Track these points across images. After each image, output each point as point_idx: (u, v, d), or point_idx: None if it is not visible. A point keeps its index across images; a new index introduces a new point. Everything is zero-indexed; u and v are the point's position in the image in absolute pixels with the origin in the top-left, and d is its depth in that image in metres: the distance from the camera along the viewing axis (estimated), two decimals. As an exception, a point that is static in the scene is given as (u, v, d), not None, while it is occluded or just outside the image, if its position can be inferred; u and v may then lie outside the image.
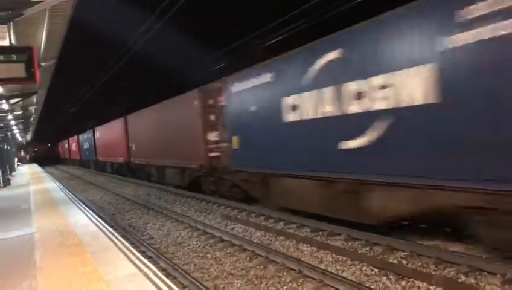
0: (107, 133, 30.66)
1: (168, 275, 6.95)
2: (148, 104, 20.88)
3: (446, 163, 6.27)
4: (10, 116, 24.65)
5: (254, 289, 6.39)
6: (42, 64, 11.91)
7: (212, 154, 14.37)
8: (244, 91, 11.78)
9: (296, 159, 9.73)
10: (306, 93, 9.19)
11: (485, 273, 6.03)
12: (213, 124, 14.26)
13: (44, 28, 9.24)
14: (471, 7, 5.79)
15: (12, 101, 18.43)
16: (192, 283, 6.64)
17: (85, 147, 41.51)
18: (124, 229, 11.39)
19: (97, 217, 10.15)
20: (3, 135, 26.58)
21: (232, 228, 10.45)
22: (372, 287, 5.96)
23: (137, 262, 5.80)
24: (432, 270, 6.38)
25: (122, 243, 7.09)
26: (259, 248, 8.22)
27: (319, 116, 8.88)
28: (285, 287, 6.35)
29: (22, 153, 77.90)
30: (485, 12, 5.64)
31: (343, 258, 7.38)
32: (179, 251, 8.93)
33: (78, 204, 12.78)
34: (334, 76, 8.33)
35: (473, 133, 5.92)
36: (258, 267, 7.34)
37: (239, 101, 12.18)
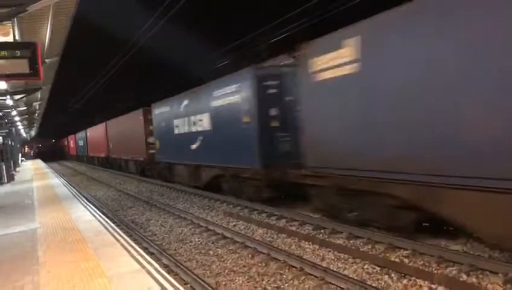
0: (95, 134, 38.57)
1: (170, 272, 6.97)
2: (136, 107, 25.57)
3: (217, 157, 14.02)
4: (14, 112, 24.74)
5: (256, 286, 6.40)
6: (46, 60, 11.95)
7: (150, 151, 22.12)
8: (159, 114, 20.06)
9: (180, 155, 17.44)
10: (180, 119, 17.18)
11: (487, 272, 6.02)
12: (151, 132, 21.92)
13: (49, 24, 9.27)
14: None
15: (17, 97, 18.50)
16: (194, 280, 6.66)
17: (80, 144, 49.89)
18: (126, 225, 11.43)
19: (100, 213, 10.19)
20: (7, 131, 26.67)
21: (235, 225, 10.47)
22: (373, 285, 5.96)
23: (140, 258, 5.83)
24: (433, 269, 6.38)
25: (125, 240, 7.12)
26: (261, 245, 8.23)
27: (184, 132, 16.87)
28: (286, 284, 6.36)
29: (26, 149, 78.20)
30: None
31: (345, 256, 7.38)
32: (181, 247, 8.96)
33: (81, 200, 12.83)
34: (188, 112, 16.43)
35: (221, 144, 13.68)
36: (259, 264, 7.36)
37: (158, 119, 20.30)
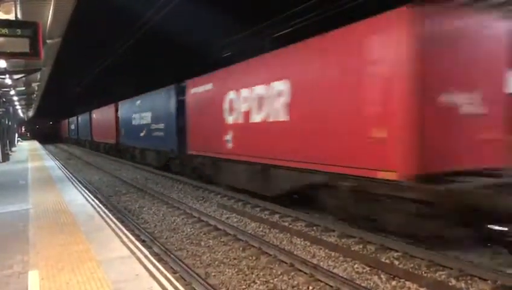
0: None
1: (160, 260, 6.97)
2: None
3: (154, 142, 20.68)
4: (13, 92, 24.61)
5: (245, 279, 6.40)
6: (48, 41, 11.87)
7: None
8: (123, 108, 27.34)
9: (136, 139, 23.70)
10: (137, 114, 23.51)
11: (476, 278, 6.03)
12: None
13: (52, 5, 9.19)
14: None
15: (16, 76, 18.39)
16: (183, 269, 6.65)
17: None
18: (119, 211, 11.41)
19: (93, 198, 10.17)
20: (3, 110, 26.55)
21: (228, 218, 10.46)
22: (362, 285, 5.97)
23: (131, 245, 5.82)
24: (423, 272, 6.39)
25: (117, 225, 7.11)
26: (252, 238, 8.23)
27: (137, 123, 23.23)
28: (276, 279, 6.36)
29: (23, 130, 77.91)
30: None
31: (336, 254, 7.39)
32: (173, 236, 8.95)
33: (75, 184, 12.80)
34: (139, 110, 22.94)
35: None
36: (250, 257, 7.35)
37: (122, 112, 27.54)
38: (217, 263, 7.16)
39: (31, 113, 62.22)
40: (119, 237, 6.27)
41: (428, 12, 7.05)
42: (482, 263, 6.59)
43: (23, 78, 19.92)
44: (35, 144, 48.16)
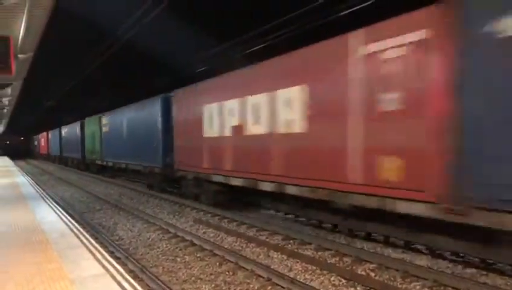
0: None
1: (135, 277, 6.85)
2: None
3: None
4: (-18, 107, 23.98)
5: (222, 295, 6.34)
6: (19, 55, 11.65)
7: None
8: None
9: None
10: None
11: (450, 288, 6.14)
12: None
13: (24, 18, 9.04)
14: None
15: (-14, 91, 17.95)
16: (159, 286, 6.55)
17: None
18: (93, 228, 11.19)
19: (66, 215, 9.94)
20: (-27, 125, 25.83)
21: (204, 232, 10.38)
22: (339, 297, 5.99)
23: (105, 262, 5.69)
24: (398, 284, 6.46)
25: (91, 243, 6.95)
26: (229, 253, 8.18)
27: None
28: (253, 294, 6.33)
29: None
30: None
31: (313, 267, 7.41)
32: (148, 253, 8.82)
33: (47, 200, 12.48)
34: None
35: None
36: (227, 272, 7.30)
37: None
38: (193, 279, 7.08)
39: (1, 129, 60.61)
40: (93, 254, 6.13)
41: None
42: (455, 273, 6.71)
43: (-7, 93, 19.46)
44: (5, 161, 46.88)
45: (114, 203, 15.53)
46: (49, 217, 9.38)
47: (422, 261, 7.44)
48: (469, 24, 5.74)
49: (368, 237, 8.92)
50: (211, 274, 7.26)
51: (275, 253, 8.36)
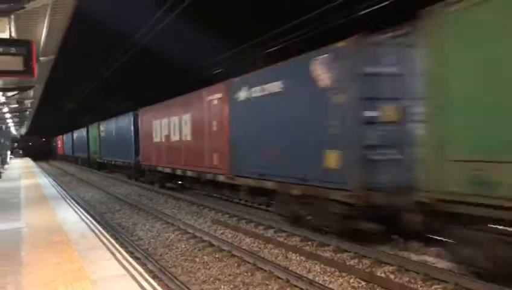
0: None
1: (154, 277, 6.91)
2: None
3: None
4: (5, 109, 24.51)
5: (240, 296, 6.36)
6: (41, 58, 11.87)
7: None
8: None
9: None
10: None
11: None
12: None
13: (45, 23, 9.22)
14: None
15: (9, 93, 18.33)
16: (178, 287, 6.61)
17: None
18: (113, 228, 11.34)
19: (87, 215, 10.10)
20: (-3, 128, 26.42)
21: (222, 233, 10.42)
22: (358, 300, 5.95)
23: (125, 263, 5.77)
24: (419, 286, 6.38)
25: (111, 243, 7.06)
26: (247, 254, 8.20)
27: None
28: (271, 295, 6.33)
29: (16, 147, 77.38)
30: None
31: (331, 269, 7.36)
32: (167, 253, 8.89)
33: (68, 201, 12.72)
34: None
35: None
36: (245, 273, 7.31)
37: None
38: (212, 279, 7.11)
39: (23, 131, 61.84)
40: (114, 254, 6.22)
41: None
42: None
43: (16, 96, 19.87)
44: (28, 162, 47.82)
45: (133, 203, 15.71)
46: (71, 217, 9.55)
47: (444, 263, 7.32)
48: (232, 93, 12.46)
49: (388, 240, 8.83)
50: (230, 275, 7.28)
51: (294, 254, 8.34)
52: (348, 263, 7.58)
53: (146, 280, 5.03)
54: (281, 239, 9.47)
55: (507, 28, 5.29)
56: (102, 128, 32.38)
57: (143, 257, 8.42)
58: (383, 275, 6.92)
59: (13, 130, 49.76)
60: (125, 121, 25.62)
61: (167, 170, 18.27)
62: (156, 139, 19.69)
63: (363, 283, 6.62)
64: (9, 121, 34.45)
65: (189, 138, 15.77)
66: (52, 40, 10.77)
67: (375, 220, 8.01)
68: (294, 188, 9.55)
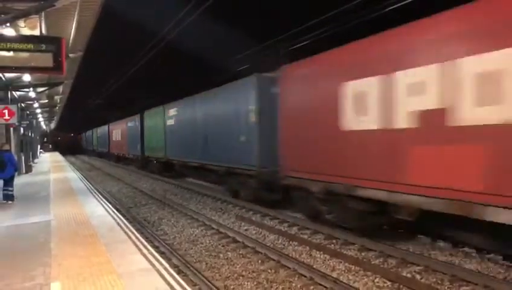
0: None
1: (179, 272, 6.98)
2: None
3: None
4: (36, 105, 25.16)
5: (264, 293, 6.35)
6: (70, 55, 12.13)
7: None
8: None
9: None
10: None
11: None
12: None
13: (74, 20, 9.41)
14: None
15: (39, 89, 18.80)
16: (203, 282, 6.64)
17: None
18: (139, 222, 11.49)
19: (113, 209, 10.27)
20: (27, 122, 27.15)
21: (246, 229, 10.44)
22: (383, 300, 5.86)
23: (150, 257, 5.84)
24: (446, 288, 6.25)
25: (137, 237, 7.16)
26: (271, 251, 8.19)
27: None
28: (295, 293, 6.30)
29: (45, 141, 79.42)
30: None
31: (356, 268, 7.28)
32: (192, 248, 8.96)
33: (95, 195, 12.96)
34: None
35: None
36: (269, 270, 7.31)
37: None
38: (235, 275, 7.13)
39: (53, 125, 63.43)
40: (139, 249, 6.31)
41: None
42: (507, 278, 6.42)
43: (46, 91, 20.37)
44: (56, 156, 48.98)
45: (159, 198, 15.89)
46: (98, 211, 9.73)
47: (472, 265, 7.16)
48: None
49: (413, 238, 8.69)
50: (253, 271, 7.29)
51: (318, 252, 8.29)
52: (373, 262, 7.49)
53: (171, 275, 5.08)
54: (305, 237, 9.42)
55: None
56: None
57: (168, 251, 8.51)
58: (409, 275, 6.80)
59: (43, 125, 51.09)
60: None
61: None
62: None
63: (389, 283, 6.52)
64: (40, 116, 35.37)
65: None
66: (81, 36, 10.99)
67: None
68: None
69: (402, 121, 7.17)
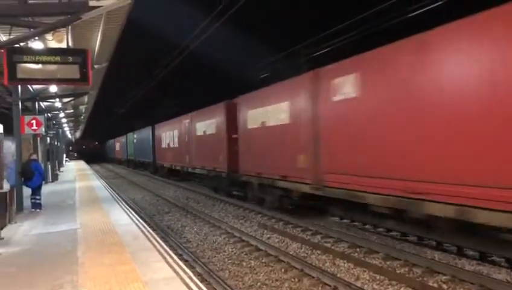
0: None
1: (203, 281, 7.01)
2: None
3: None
4: (62, 114, 25.74)
5: (288, 302, 6.32)
6: (95, 66, 12.40)
7: None
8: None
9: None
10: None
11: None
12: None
13: (99, 32, 9.62)
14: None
15: (65, 100, 19.24)
16: (226, 291, 6.66)
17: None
18: (162, 230, 11.60)
19: (138, 217, 10.39)
20: (54, 132, 27.78)
21: (269, 238, 10.42)
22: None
23: (175, 265, 5.89)
24: (474, 298, 6.12)
25: (161, 245, 7.22)
26: (294, 260, 8.15)
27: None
28: (319, 302, 6.26)
29: (71, 150, 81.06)
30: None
31: (381, 277, 7.18)
32: (215, 256, 9.00)
33: (120, 203, 13.14)
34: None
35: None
36: (292, 279, 7.27)
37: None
38: (259, 284, 7.12)
39: (78, 134, 64.75)
40: (164, 257, 6.37)
41: None
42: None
43: (72, 101, 20.83)
44: (82, 164, 49.91)
45: (182, 206, 16.02)
46: (123, 219, 9.86)
47: (501, 274, 6.98)
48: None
49: (439, 247, 8.53)
50: (277, 280, 7.27)
51: (341, 261, 8.21)
52: (398, 271, 7.38)
53: (195, 284, 5.11)
54: (328, 245, 9.35)
55: None
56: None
57: (191, 259, 8.56)
58: (435, 284, 6.68)
59: (68, 134, 52.21)
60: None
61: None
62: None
63: (415, 293, 6.41)
64: (65, 125, 36.16)
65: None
66: (106, 47, 11.23)
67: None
68: None
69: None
